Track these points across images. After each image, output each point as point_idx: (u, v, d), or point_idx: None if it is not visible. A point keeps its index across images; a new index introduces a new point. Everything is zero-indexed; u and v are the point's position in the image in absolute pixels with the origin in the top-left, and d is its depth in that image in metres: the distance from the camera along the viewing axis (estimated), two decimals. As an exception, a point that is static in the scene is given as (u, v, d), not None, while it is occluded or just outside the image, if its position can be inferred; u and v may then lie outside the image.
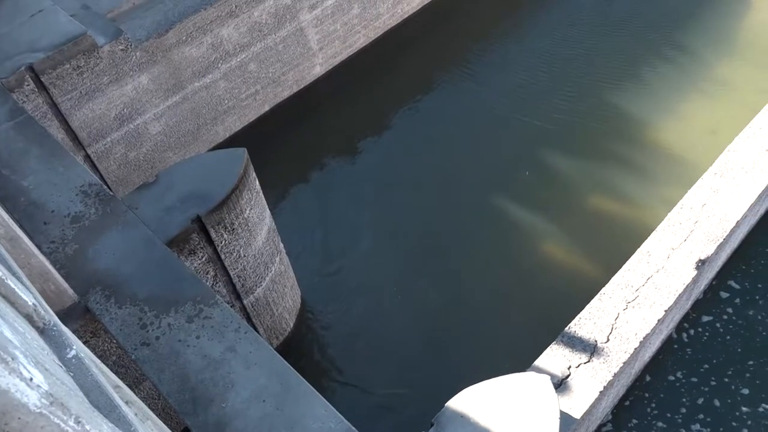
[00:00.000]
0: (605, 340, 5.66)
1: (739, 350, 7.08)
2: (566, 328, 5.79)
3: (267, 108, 10.60)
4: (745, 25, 11.28)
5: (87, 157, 8.48)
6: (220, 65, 9.45)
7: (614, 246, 7.89)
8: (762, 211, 7.94)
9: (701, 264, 6.19)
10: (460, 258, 8.43)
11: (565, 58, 10.94)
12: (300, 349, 7.83)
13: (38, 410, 1.37)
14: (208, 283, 6.02)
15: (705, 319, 7.33)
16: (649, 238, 6.47)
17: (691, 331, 7.25)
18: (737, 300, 7.47)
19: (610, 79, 10.45)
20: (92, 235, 5.44)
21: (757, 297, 7.47)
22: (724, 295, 7.53)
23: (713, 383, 6.87)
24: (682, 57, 10.72)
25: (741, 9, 11.51)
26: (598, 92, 10.27)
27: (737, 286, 7.58)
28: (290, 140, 10.26)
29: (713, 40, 10.99)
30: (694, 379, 6.91)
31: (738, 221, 6.56)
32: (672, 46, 10.90)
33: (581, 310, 5.93)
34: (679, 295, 6.01)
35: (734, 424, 6.59)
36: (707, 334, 7.23)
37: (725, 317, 7.34)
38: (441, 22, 12.00)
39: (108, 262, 5.24)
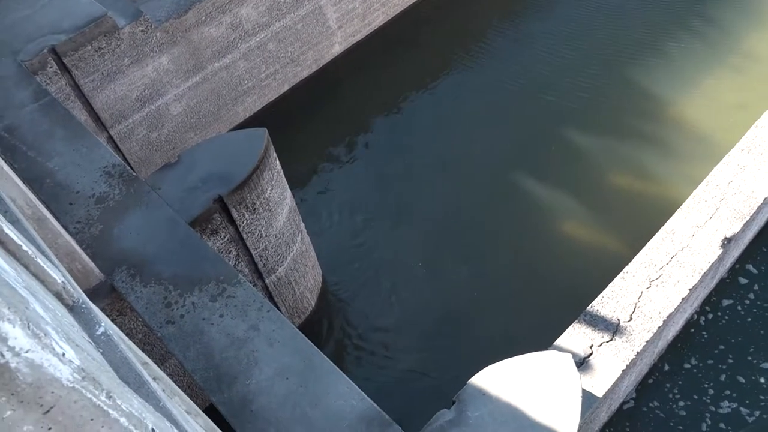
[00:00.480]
0: (628, 319, 5.63)
1: (762, 332, 6.99)
2: (588, 307, 5.76)
3: (287, 88, 10.58)
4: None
5: (110, 138, 8.56)
6: (239, 45, 9.44)
7: (639, 224, 7.80)
8: (790, 188, 7.77)
9: (727, 242, 6.10)
10: (482, 236, 8.40)
11: (588, 34, 10.74)
12: (322, 327, 7.90)
13: (71, 384, 1.40)
14: (230, 263, 6.08)
15: (726, 302, 7.24)
16: (673, 215, 6.39)
17: (714, 313, 7.17)
18: (761, 282, 7.36)
19: (635, 54, 10.25)
20: (117, 215, 5.51)
21: (784, 275, 7.35)
22: (748, 274, 7.42)
23: (735, 362, 6.81)
24: (709, 29, 10.46)
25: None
26: (622, 68, 10.08)
27: (760, 269, 7.47)
28: (310, 120, 10.25)
29: (743, 10, 10.70)
30: (715, 360, 6.86)
31: (766, 198, 6.44)
32: (699, 17, 10.64)
33: (604, 289, 5.89)
34: (704, 273, 5.94)
35: (762, 397, 6.54)
36: (727, 316, 7.15)
37: (747, 301, 7.24)
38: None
39: (132, 241, 5.31)
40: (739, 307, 7.18)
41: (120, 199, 5.62)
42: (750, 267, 7.47)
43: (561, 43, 10.67)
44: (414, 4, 11.70)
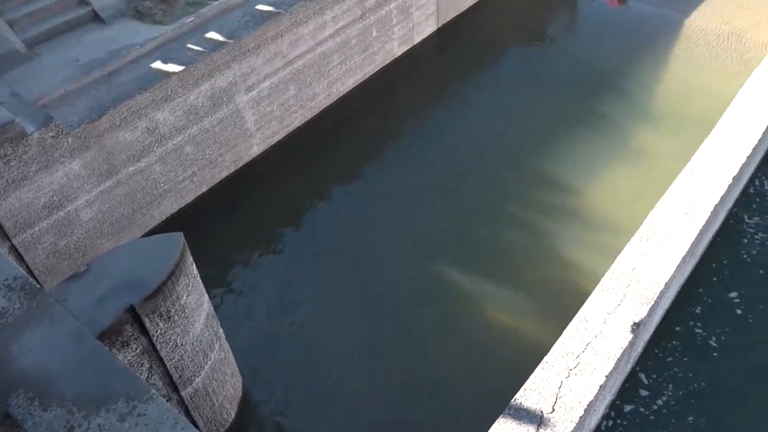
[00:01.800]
0: (550, 411, 5.67)
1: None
2: (512, 400, 5.78)
3: (204, 189, 10.53)
4: (660, 95, 12.10)
5: (13, 248, 8.13)
6: (155, 149, 9.39)
7: (555, 311, 8.03)
8: (689, 271, 8.30)
9: (636, 327, 6.37)
10: (401, 331, 8.38)
11: (499, 134, 11.41)
12: (243, 438, 7.50)
13: None
14: (142, 376, 5.75)
15: (645, 381, 7.48)
16: (585, 304, 6.64)
17: (637, 393, 7.37)
18: (675, 361, 7.67)
19: (541, 150, 10.91)
20: (15, 332, 5.15)
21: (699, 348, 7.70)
22: (661, 357, 7.72)
23: (659, 445, 6.94)
24: (606, 126, 11.37)
25: (654, 82, 12.37)
26: (531, 164, 10.69)
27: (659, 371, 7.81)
28: (229, 220, 10.17)
29: (633, 109, 11.73)
30: (641, 443, 6.97)
31: (666, 283, 6.83)
32: (597, 116, 11.56)
33: (526, 380, 5.95)
34: (618, 359, 6.13)
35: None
36: (648, 399, 7.35)
37: (663, 381, 7.50)
38: (374, 100, 12.39)
39: (32, 360, 4.95)
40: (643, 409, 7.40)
41: (20, 315, 5.28)
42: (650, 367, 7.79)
43: (474, 142, 11.27)
44: (331, 105, 12.13)
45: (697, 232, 7.33)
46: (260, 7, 10.49)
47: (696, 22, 13.50)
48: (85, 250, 9.05)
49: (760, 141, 8.64)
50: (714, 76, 12.09)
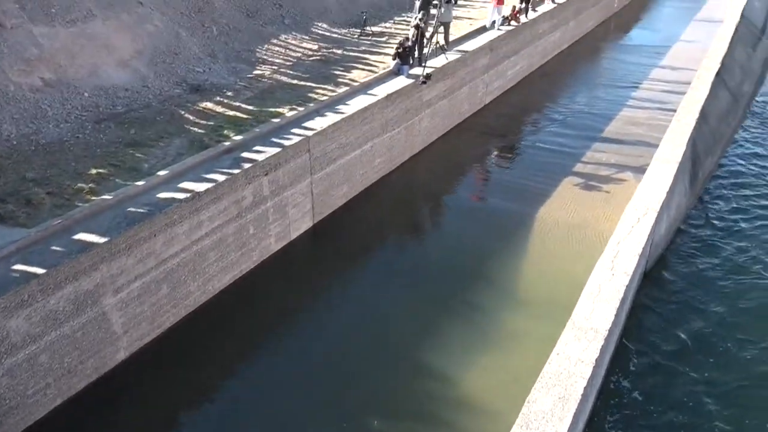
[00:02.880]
0: None
1: None
2: None
3: (59, 402, 9.49)
4: (522, 282, 13.00)
5: None
6: (3, 360, 8.50)
7: None
8: (570, 456, 8.34)
9: None
10: None
11: (366, 329, 11.55)
12: None
13: None
14: None
15: None
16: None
17: None
18: None
19: (410, 342, 11.07)
20: None
21: None
22: None
23: None
24: (476, 314, 11.86)
25: (516, 270, 13.34)
26: (405, 355, 10.77)
27: None
28: (86, 437, 9.11)
29: (500, 297, 12.42)
30: None
31: (550, 473, 6.78)
32: (464, 303, 12.08)
33: None
34: None
35: None
36: None
37: None
38: (251, 296, 12.29)
39: None
40: None
41: None
42: None
43: (344, 339, 11.31)
44: (207, 302, 11.83)
45: (571, 417, 7.51)
46: (134, 208, 10.47)
47: (547, 215, 15.08)
48: None
49: (614, 323, 9.35)
50: (566, 262, 13.29)
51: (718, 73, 19.90)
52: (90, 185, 10.90)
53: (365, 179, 16.05)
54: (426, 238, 15.00)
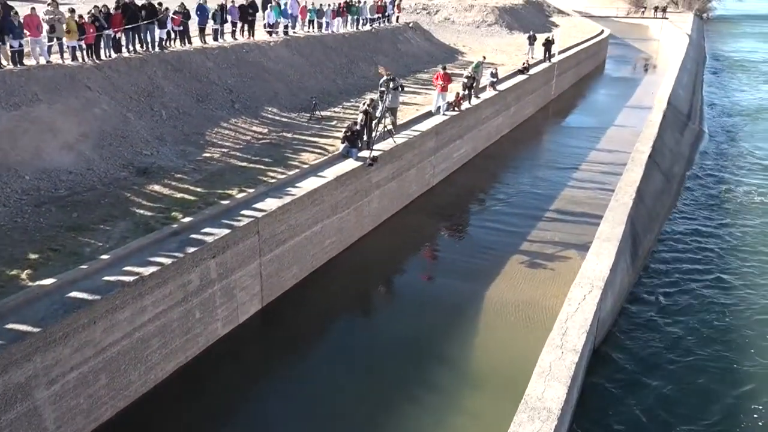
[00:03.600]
0: None
1: None
2: None
3: None
4: (476, 361, 12.91)
5: None
6: None
7: None
8: None
9: None
10: None
11: (317, 415, 11.19)
12: None
13: None
14: None
15: None
16: None
17: None
18: None
19: (363, 428, 10.75)
20: None
21: None
22: None
23: None
24: (426, 393, 11.65)
25: (470, 349, 13.28)
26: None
27: None
28: None
29: (455, 376, 12.28)
30: None
31: None
32: (420, 385, 11.87)
33: None
34: None
35: None
36: None
37: None
38: (196, 383, 11.78)
39: None
40: None
41: None
42: None
43: (308, 419, 10.89)
44: (148, 392, 11.26)
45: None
46: (73, 294, 10.06)
47: (496, 294, 15.23)
48: None
49: (566, 402, 9.32)
50: (517, 340, 13.34)
51: (650, 156, 21.04)
52: (27, 271, 10.47)
53: (315, 260, 15.97)
54: (377, 319, 14.85)
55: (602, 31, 58.76)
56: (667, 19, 74.99)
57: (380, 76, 19.82)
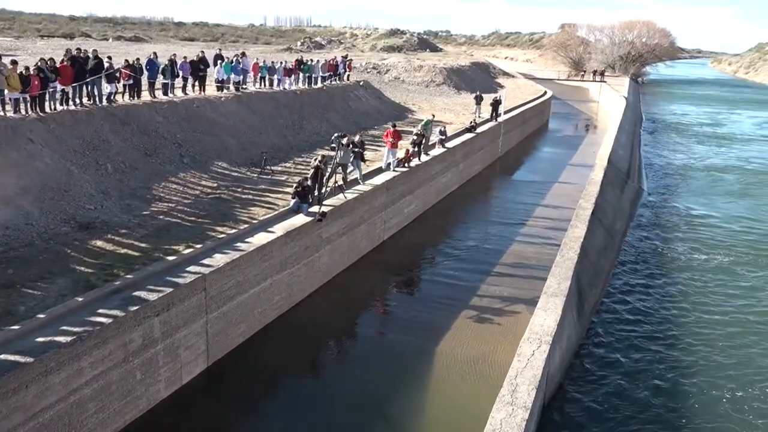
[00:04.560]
0: None
1: None
2: None
3: None
4: (427, 414, 12.71)
5: None
6: None
7: None
8: None
9: None
10: None
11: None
12: None
13: None
14: None
15: None
16: None
17: None
18: None
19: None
20: None
21: None
22: None
23: None
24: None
25: (420, 406, 13.08)
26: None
27: None
28: None
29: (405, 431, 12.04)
30: None
31: None
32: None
33: None
34: None
35: None
36: None
37: None
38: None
39: None
40: None
41: None
42: None
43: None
44: (81, 462, 10.62)
45: None
46: (3, 356, 9.50)
47: (447, 349, 15.17)
48: None
49: (518, 460, 9.23)
50: (468, 398, 13.26)
51: (593, 213, 21.73)
52: (-46, 332, 9.88)
53: (264, 317, 15.64)
54: (328, 376, 14.53)
55: (545, 93, 61.40)
56: (605, 82, 78.93)
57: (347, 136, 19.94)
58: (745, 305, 18.84)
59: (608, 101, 68.01)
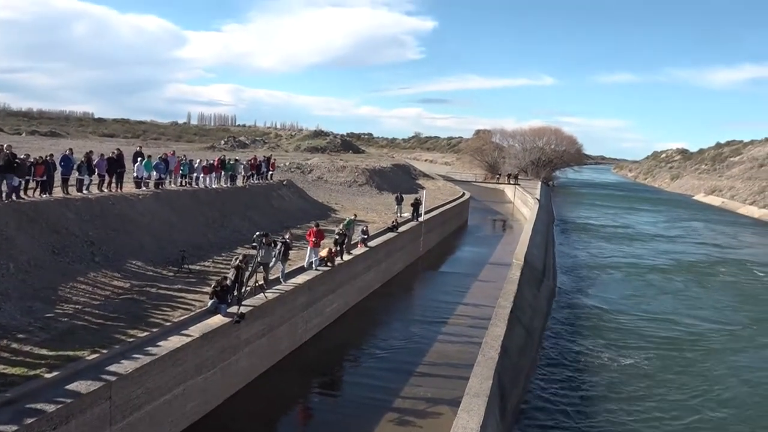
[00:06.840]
0: None
1: None
2: None
3: None
4: None
5: None
6: None
7: None
8: None
9: None
10: None
11: None
12: None
13: None
14: None
15: None
16: None
17: None
18: None
19: None
20: None
21: None
22: None
23: None
24: None
25: None
26: None
27: None
28: None
29: None
30: None
31: None
32: None
33: None
34: None
35: None
36: None
37: None
38: None
39: None
40: None
41: None
42: None
43: None
44: None
45: None
46: None
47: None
48: None
49: None
50: None
51: (512, 311, 22.19)
52: None
53: (175, 426, 14.60)
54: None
55: (464, 194, 63.95)
56: (519, 185, 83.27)
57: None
58: (659, 402, 19.36)
59: (522, 203, 71.50)
